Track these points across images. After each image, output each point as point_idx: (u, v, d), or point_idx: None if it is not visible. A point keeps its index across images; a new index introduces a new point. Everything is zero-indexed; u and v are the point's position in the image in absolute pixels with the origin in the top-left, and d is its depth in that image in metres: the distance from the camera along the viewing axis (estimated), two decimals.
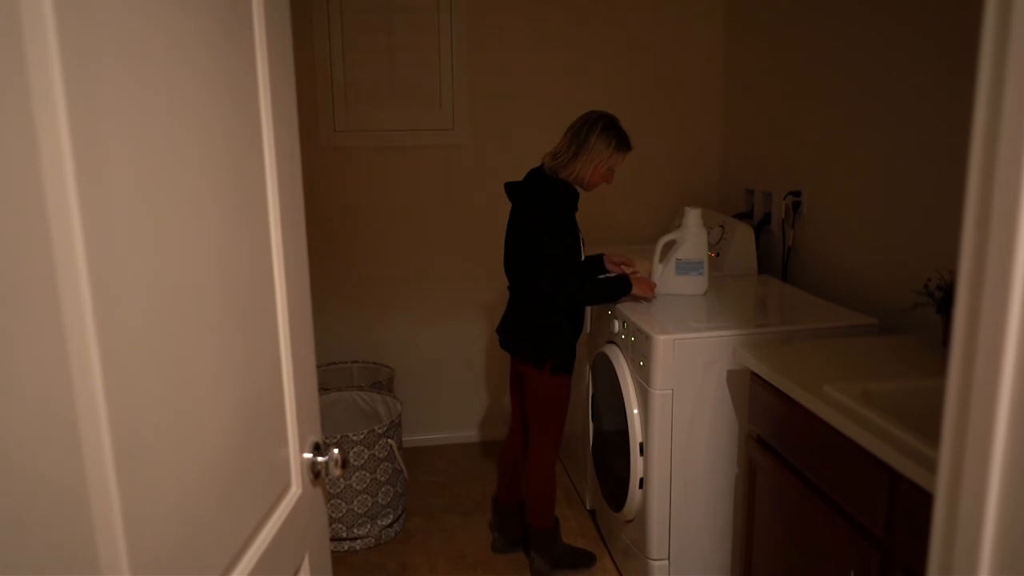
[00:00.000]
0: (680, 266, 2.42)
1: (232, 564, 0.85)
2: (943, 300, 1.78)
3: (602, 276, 2.42)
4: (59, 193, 0.55)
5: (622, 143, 2.27)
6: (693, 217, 2.42)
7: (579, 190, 2.31)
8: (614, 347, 2.38)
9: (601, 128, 2.24)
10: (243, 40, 0.88)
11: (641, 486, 2.21)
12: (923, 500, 1.28)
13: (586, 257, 2.39)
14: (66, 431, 0.56)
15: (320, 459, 1.08)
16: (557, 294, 2.23)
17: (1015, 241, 0.50)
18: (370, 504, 2.63)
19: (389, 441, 2.64)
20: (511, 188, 2.39)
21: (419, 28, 3.06)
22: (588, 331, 2.67)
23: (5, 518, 0.50)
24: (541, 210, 2.26)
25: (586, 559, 2.54)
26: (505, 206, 2.43)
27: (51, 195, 0.54)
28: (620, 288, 2.32)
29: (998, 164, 0.52)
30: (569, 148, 2.26)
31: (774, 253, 2.83)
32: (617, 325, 2.35)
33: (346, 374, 3.23)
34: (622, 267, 2.43)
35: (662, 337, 2.08)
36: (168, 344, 0.71)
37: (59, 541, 0.56)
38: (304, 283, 1.07)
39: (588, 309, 2.64)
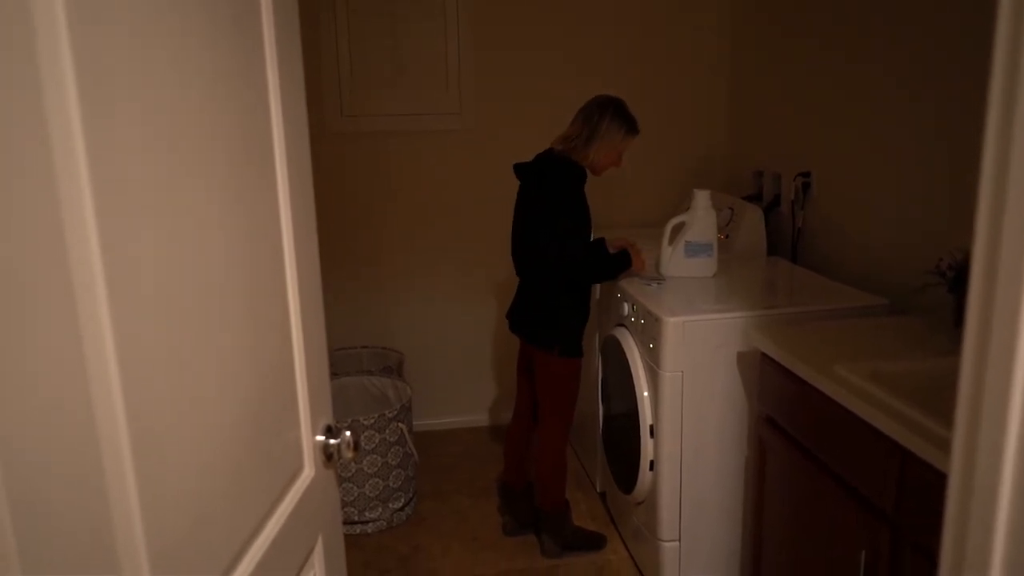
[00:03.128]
0: (689, 248, 2.41)
1: (247, 545, 0.86)
2: (955, 279, 1.77)
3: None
4: (72, 179, 0.55)
5: (632, 127, 2.31)
6: (702, 199, 2.41)
7: (587, 173, 2.32)
8: (624, 330, 2.38)
9: (612, 113, 2.28)
10: (252, 29, 0.87)
11: (651, 468, 2.21)
12: (933, 478, 1.28)
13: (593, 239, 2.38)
14: (83, 421, 0.57)
15: (332, 441, 1.09)
16: (562, 260, 2.23)
17: None
18: (381, 488, 2.65)
19: (400, 425, 2.65)
20: (520, 169, 2.39)
21: (424, 12, 3.04)
22: (593, 315, 2.67)
23: (26, 511, 0.51)
24: (552, 192, 2.26)
25: (597, 541, 2.55)
26: (514, 190, 2.43)
27: (63, 183, 0.55)
28: (622, 262, 2.35)
29: (1014, 140, 0.51)
30: (581, 133, 2.27)
31: (784, 235, 2.82)
32: (627, 308, 2.35)
33: (356, 359, 3.24)
34: (624, 246, 2.43)
35: (672, 319, 2.07)
36: (181, 330, 0.71)
37: (78, 532, 0.57)
38: (314, 269, 1.07)
39: (593, 294, 2.63)
